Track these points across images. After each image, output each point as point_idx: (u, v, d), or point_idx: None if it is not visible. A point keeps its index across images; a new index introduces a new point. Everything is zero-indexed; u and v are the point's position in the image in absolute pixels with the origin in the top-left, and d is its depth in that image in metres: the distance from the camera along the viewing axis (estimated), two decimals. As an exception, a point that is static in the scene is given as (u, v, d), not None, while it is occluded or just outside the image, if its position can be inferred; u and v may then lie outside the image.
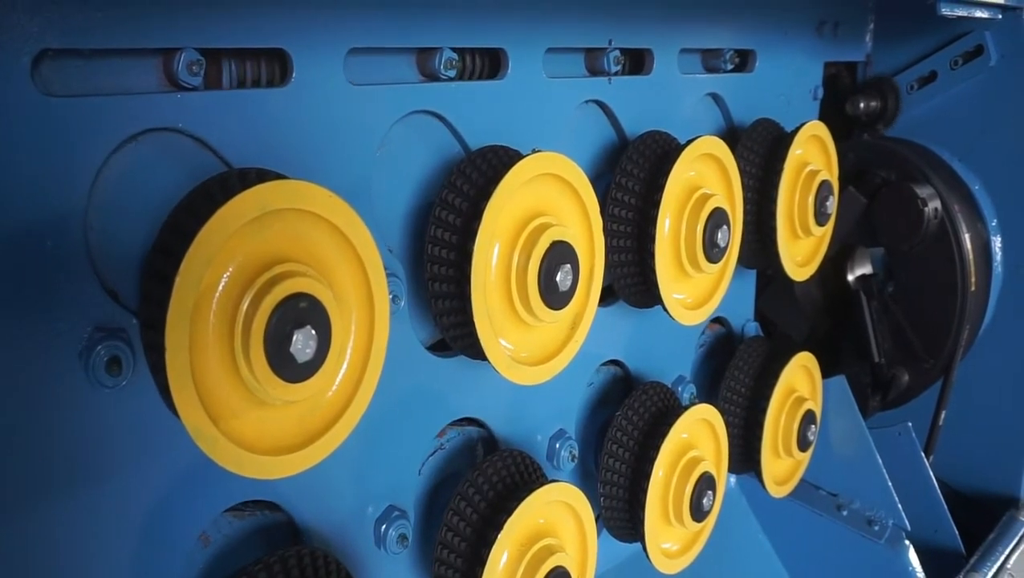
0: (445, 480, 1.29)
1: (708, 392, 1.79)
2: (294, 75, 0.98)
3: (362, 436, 0.98)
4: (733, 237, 1.46)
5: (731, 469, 1.71)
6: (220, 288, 0.80)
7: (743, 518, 1.90)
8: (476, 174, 1.10)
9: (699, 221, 1.36)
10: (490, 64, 1.25)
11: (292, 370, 0.83)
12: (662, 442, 1.39)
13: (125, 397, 0.88)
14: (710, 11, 1.58)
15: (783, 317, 2.09)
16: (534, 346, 1.19)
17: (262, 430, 0.87)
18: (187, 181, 0.90)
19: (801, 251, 1.71)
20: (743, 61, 1.73)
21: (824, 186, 1.62)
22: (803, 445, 1.74)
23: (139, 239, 0.89)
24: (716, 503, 1.51)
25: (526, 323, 1.15)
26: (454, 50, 1.15)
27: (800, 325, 2.09)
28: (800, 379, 1.78)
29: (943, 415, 1.88)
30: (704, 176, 1.42)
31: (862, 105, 2.10)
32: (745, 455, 1.72)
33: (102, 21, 0.82)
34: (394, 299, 1.00)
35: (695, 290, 1.47)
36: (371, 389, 0.96)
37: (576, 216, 1.21)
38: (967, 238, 1.89)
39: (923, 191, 1.87)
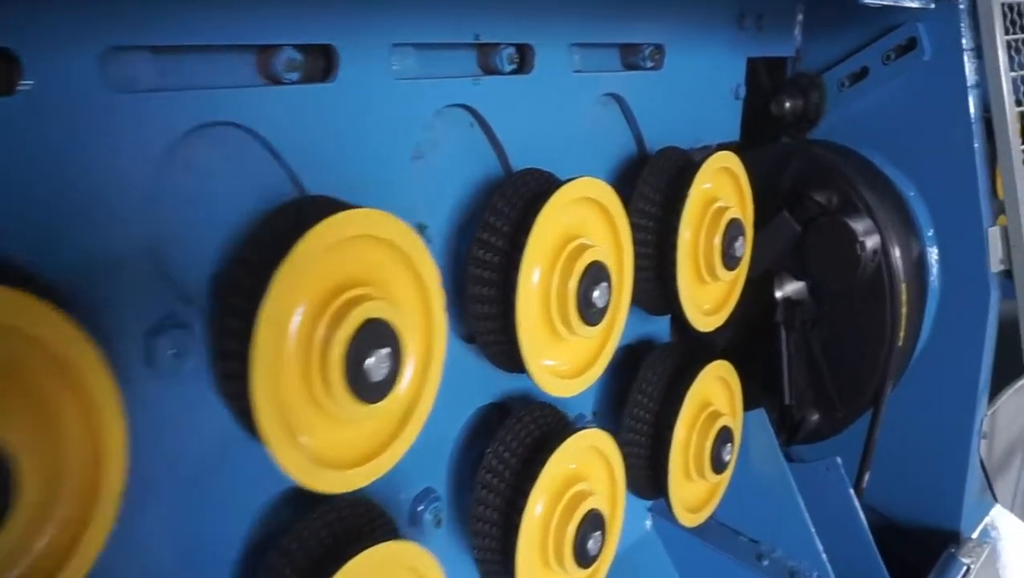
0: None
1: (615, 411, 1.57)
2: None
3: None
4: (620, 296, 1.31)
5: (640, 495, 1.53)
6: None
7: (659, 565, 1.73)
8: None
9: (572, 276, 1.19)
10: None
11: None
12: (533, 484, 1.21)
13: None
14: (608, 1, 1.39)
15: None
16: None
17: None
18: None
19: (709, 298, 1.52)
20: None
21: (733, 225, 1.43)
22: (718, 467, 1.55)
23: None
24: (608, 545, 1.33)
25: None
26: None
27: (722, 330, 1.90)
28: (715, 392, 1.58)
29: (872, 451, 1.72)
30: (583, 223, 1.27)
31: (788, 104, 1.92)
32: (653, 479, 1.52)
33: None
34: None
35: (569, 355, 1.28)
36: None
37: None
38: (903, 287, 1.70)
39: (861, 225, 1.67)
